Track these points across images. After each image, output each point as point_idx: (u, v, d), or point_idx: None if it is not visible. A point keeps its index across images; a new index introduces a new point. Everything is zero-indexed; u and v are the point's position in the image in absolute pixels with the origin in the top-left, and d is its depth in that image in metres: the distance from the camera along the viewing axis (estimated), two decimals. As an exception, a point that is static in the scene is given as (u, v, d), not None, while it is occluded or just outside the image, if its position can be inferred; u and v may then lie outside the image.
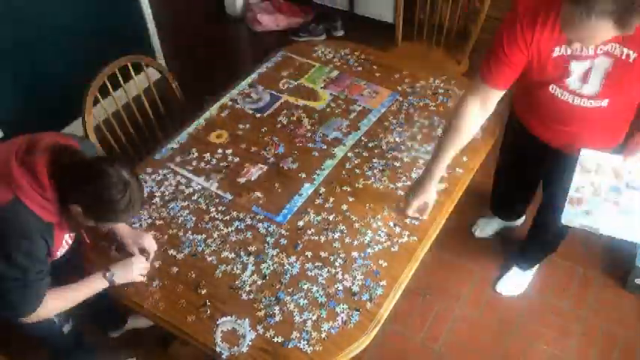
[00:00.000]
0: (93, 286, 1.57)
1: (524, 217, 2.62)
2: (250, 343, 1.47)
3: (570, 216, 1.63)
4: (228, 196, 1.82)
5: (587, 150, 1.63)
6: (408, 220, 1.72)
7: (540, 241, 2.29)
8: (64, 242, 1.53)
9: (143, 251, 1.66)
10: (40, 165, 1.34)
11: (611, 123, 1.71)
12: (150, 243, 1.67)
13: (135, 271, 1.60)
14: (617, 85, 1.51)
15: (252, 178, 1.86)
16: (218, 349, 1.47)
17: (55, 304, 1.51)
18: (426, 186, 1.70)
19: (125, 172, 1.37)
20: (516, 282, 2.42)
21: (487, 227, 2.62)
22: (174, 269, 1.64)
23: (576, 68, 1.53)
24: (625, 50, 1.43)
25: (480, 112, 1.66)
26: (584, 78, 1.53)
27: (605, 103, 1.56)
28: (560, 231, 2.09)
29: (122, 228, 1.68)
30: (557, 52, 1.52)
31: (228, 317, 1.52)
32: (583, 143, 1.67)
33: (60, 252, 1.52)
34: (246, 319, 1.52)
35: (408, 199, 1.73)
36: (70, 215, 1.40)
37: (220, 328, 1.51)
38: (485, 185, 2.44)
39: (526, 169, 2.12)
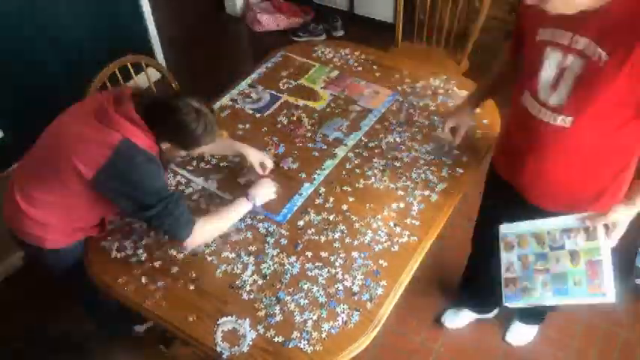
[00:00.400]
0: (238, 209, 1.72)
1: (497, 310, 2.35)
2: (251, 342, 1.47)
3: (511, 298, 1.52)
4: (228, 196, 1.82)
5: (504, 225, 1.56)
6: (408, 220, 1.73)
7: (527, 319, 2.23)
8: None
9: (264, 168, 1.87)
10: (131, 111, 1.52)
11: (576, 158, 1.49)
12: (266, 159, 1.87)
13: (270, 189, 1.79)
14: (584, 97, 1.34)
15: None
16: (219, 349, 1.46)
17: (206, 228, 1.63)
18: (462, 109, 1.86)
19: (194, 102, 1.54)
20: (524, 332, 2.29)
21: (456, 319, 2.34)
22: (175, 269, 1.64)
23: (549, 60, 1.39)
24: (598, 50, 1.28)
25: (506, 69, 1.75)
26: (555, 84, 1.40)
27: (568, 121, 1.40)
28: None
29: (245, 149, 1.86)
30: (541, 35, 1.41)
31: (229, 317, 1.52)
32: (545, 188, 1.57)
33: None
34: (247, 319, 1.51)
35: (444, 121, 1.88)
36: (163, 154, 1.61)
37: (221, 327, 1.51)
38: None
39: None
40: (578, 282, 1.41)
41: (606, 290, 1.36)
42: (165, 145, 1.59)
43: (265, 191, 1.78)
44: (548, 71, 1.42)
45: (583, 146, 1.45)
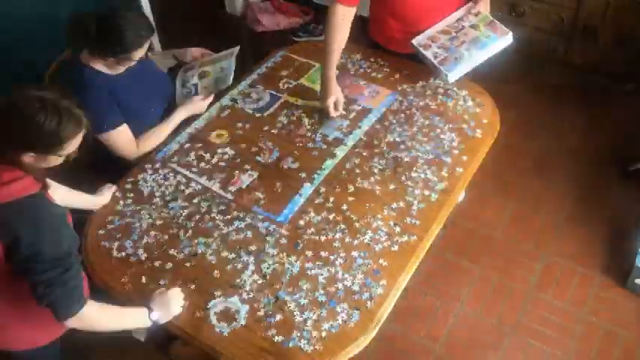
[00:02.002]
0: (135, 318, 1.48)
1: None
2: (246, 315, 1.49)
3: (450, 69, 2.01)
4: (229, 196, 1.82)
5: (413, 39, 2.11)
6: (408, 220, 1.73)
7: None
8: None
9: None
10: None
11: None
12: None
13: (177, 304, 1.52)
14: None
15: (243, 186, 1.85)
16: (218, 330, 1.48)
17: (99, 315, 1.41)
18: (331, 88, 2.03)
19: (34, 90, 1.30)
20: None
21: None
22: (175, 269, 1.64)
23: None
24: None
25: (346, 25, 2.02)
26: None
27: None
28: None
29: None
30: None
31: (218, 299, 1.53)
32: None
33: None
34: (235, 296, 1.54)
35: (322, 106, 2.05)
36: (35, 170, 1.33)
37: (212, 310, 1.52)
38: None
39: None
40: (488, 36, 2.05)
41: (507, 30, 2.05)
42: (27, 159, 1.31)
43: (171, 308, 1.50)
44: None
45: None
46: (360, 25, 2.41)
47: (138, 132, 1.99)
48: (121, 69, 1.91)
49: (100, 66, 1.88)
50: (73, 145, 1.38)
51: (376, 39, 2.33)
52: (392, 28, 2.21)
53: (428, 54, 2.06)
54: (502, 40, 2.04)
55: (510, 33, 2.04)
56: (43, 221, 1.31)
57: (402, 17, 2.14)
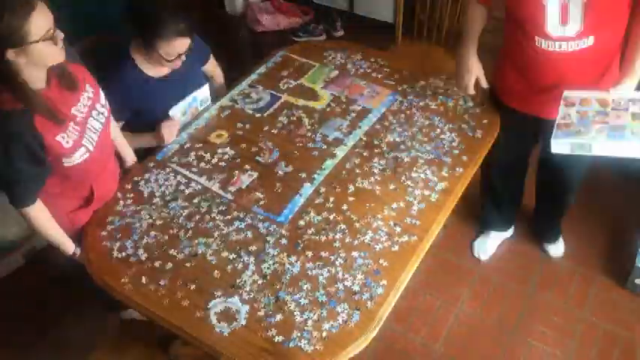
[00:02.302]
0: (64, 242, 1.72)
1: (513, 228, 2.62)
2: (247, 315, 1.49)
3: (560, 138, 1.56)
4: (229, 196, 1.82)
5: (569, 90, 1.70)
6: (408, 220, 1.73)
7: (551, 205, 2.38)
8: (69, 132, 1.56)
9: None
10: None
11: (601, 64, 1.73)
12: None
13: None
14: (599, 15, 1.54)
15: (243, 186, 1.85)
16: (218, 330, 1.48)
17: (45, 215, 1.64)
18: (470, 64, 1.87)
19: None
20: (557, 248, 2.54)
21: (486, 247, 2.58)
22: (175, 269, 1.64)
23: (549, 0, 1.56)
24: None
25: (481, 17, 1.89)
26: (564, 18, 1.56)
27: (591, 40, 1.60)
28: (568, 183, 2.18)
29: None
30: None
31: (218, 299, 1.54)
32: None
33: (65, 141, 1.55)
34: (235, 296, 1.54)
35: (461, 86, 1.92)
36: (14, 73, 1.40)
37: (212, 310, 1.52)
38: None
39: (517, 153, 2.21)
40: (635, 133, 1.51)
41: None
42: (13, 59, 1.38)
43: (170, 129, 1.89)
44: (553, 10, 1.57)
45: (604, 50, 1.69)
46: (370, 28, 2.42)
47: (142, 129, 2.01)
48: (163, 70, 1.95)
49: (141, 61, 1.93)
50: (39, 27, 1.37)
51: (493, 81, 2.00)
52: (510, 78, 1.93)
53: (561, 111, 1.66)
54: None
55: None
56: None
57: (523, 70, 1.83)
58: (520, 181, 2.42)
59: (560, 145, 1.57)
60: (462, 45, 1.93)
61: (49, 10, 1.40)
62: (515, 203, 2.51)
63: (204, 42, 2.15)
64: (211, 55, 2.23)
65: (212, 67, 2.27)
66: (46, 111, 1.49)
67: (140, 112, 1.98)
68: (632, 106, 1.58)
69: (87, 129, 1.63)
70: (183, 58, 1.92)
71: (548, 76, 1.76)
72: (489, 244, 2.57)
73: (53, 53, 1.44)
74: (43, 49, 1.40)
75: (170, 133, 1.98)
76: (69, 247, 1.72)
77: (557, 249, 2.55)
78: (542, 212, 2.50)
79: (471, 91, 1.94)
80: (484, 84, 1.93)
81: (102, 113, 1.70)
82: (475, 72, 1.91)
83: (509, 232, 2.61)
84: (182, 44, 1.87)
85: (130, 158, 1.97)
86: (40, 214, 1.63)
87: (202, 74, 2.20)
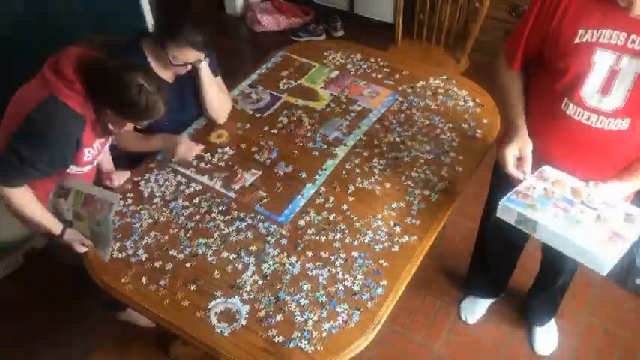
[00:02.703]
0: (50, 226, 1.69)
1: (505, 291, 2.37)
2: (247, 315, 1.50)
3: (510, 204, 1.43)
4: (232, 195, 1.82)
5: (550, 168, 1.52)
6: (408, 220, 1.73)
7: (548, 292, 2.11)
8: (92, 150, 1.70)
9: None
10: (67, 66, 1.56)
11: (624, 155, 1.47)
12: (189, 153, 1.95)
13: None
14: None
15: (247, 184, 1.85)
16: (218, 330, 1.48)
17: (24, 201, 1.64)
18: (520, 133, 1.52)
19: (140, 77, 1.56)
20: (546, 338, 2.25)
21: (475, 310, 2.34)
22: (175, 269, 1.64)
23: (599, 62, 1.34)
24: None
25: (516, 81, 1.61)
26: (606, 87, 1.35)
27: (626, 124, 1.38)
28: (565, 271, 1.93)
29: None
30: (583, 37, 1.34)
31: (219, 299, 1.54)
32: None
33: (87, 156, 1.68)
34: (236, 296, 1.54)
35: (504, 155, 1.52)
36: (102, 116, 1.63)
37: (213, 310, 1.52)
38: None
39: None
40: (587, 236, 1.35)
41: (611, 263, 1.33)
42: (105, 110, 1.62)
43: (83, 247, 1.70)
44: (598, 75, 1.36)
45: (636, 140, 1.44)
46: (370, 28, 2.41)
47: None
48: (169, 74, 1.93)
49: (152, 58, 1.91)
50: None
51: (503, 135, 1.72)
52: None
53: (528, 180, 1.50)
54: (594, 259, 1.36)
55: (606, 268, 1.36)
56: (43, 125, 1.56)
57: (538, 134, 1.55)
58: (516, 253, 2.13)
59: (507, 211, 1.44)
60: (517, 109, 1.58)
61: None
62: (510, 271, 2.22)
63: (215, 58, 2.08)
64: (218, 74, 2.11)
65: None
66: (103, 126, 1.67)
67: None
68: (603, 209, 1.41)
69: (104, 149, 1.79)
70: (189, 67, 1.90)
71: (562, 147, 1.53)
72: (478, 308, 2.34)
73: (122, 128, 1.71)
74: (125, 126, 1.69)
75: (186, 154, 1.91)
76: (56, 227, 1.69)
77: (544, 341, 2.22)
78: (535, 282, 2.21)
79: (515, 173, 1.53)
80: (528, 168, 1.54)
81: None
82: (527, 148, 1.54)
83: (501, 296, 2.36)
84: (191, 54, 1.85)
85: (108, 168, 1.96)
86: (25, 195, 1.64)
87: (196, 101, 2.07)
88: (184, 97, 2.03)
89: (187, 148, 1.91)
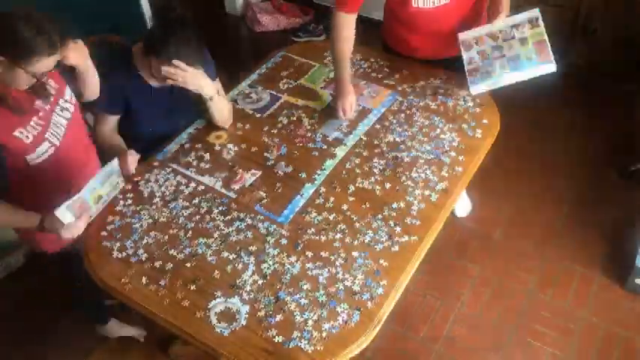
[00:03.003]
0: (25, 221, 1.62)
1: None
2: (247, 315, 1.50)
3: (476, 84, 1.94)
4: (232, 195, 1.82)
5: (462, 33, 2.02)
6: (408, 220, 1.73)
7: None
8: (31, 128, 1.57)
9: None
10: None
11: (458, 17, 2.04)
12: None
13: (65, 233, 1.59)
14: None
15: (247, 184, 1.86)
16: (218, 330, 1.48)
17: None
18: (344, 89, 2.04)
19: (25, 9, 1.43)
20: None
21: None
22: (175, 269, 1.64)
23: None
24: None
25: (351, 34, 2.06)
26: None
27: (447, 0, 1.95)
28: None
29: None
30: None
31: (219, 299, 1.54)
32: (437, 47, 2.12)
33: (27, 137, 1.56)
34: (236, 296, 1.54)
35: (334, 105, 2.04)
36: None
37: (213, 310, 1.52)
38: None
39: None
40: (529, 57, 1.89)
41: (552, 58, 1.88)
42: None
43: (62, 234, 1.58)
44: None
45: (461, 7, 2.01)
46: (370, 27, 2.44)
47: (134, 131, 1.99)
48: (154, 81, 1.92)
49: (140, 65, 1.90)
50: (41, 66, 1.45)
51: (387, 41, 2.35)
52: (399, 32, 2.22)
53: (464, 56, 2.01)
54: (542, 66, 1.92)
55: (554, 63, 1.90)
56: None
57: (406, 24, 2.14)
58: None
59: (477, 89, 1.96)
60: (339, 71, 2.07)
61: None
62: None
63: (213, 68, 2.06)
64: (217, 80, 2.08)
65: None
66: (10, 104, 1.49)
67: (130, 112, 1.94)
68: (516, 33, 1.93)
69: (51, 124, 1.64)
70: (170, 82, 1.84)
71: (410, 28, 2.13)
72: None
73: (22, 84, 1.50)
74: (21, 78, 1.47)
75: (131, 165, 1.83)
76: (32, 220, 1.59)
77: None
78: None
79: (342, 115, 2.03)
80: (351, 112, 2.05)
81: (66, 109, 1.70)
82: (350, 97, 2.05)
83: None
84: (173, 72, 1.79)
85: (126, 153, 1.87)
86: None
87: (194, 101, 2.01)
88: (174, 109, 2.01)
89: (134, 159, 1.85)
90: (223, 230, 1.73)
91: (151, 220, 1.77)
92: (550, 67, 1.90)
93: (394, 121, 2.06)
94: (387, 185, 1.83)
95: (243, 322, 1.50)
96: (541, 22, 1.91)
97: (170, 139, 2.04)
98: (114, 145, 1.94)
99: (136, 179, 1.90)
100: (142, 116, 1.96)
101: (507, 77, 1.93)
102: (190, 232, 1.73)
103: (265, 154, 1.96)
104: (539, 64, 1.91)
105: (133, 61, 1.91)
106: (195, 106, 2.03)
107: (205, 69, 1.92)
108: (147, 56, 1.84)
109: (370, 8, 3.90)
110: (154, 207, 1.81)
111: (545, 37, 1.91)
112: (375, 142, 1.99)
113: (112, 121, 1.95)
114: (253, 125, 2.08)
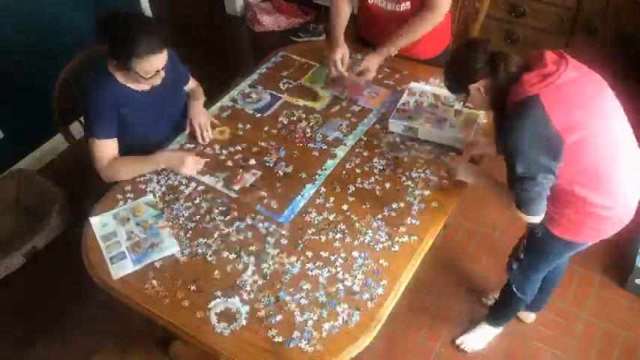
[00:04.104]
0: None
1: None
2: (247, 316, 1.50)
3: (396, 120, 1.97)
4: (233, 195, 1.82)
5: (414, 83, 2.12)
6: (408, 220, 1.73)
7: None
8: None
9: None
10: None
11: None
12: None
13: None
14: None
15: (247, 184, 1.86)
16: (218, 330, 1.48)
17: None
18: (336, 41, 2.18)
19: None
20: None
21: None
22: (175, 269, 1.64)
23: None
24: None
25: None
26: None
27: (406, 6, 2.09)
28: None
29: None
30: None
31: (219, 299, 1.54)
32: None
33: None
34: (236, 296, 1.54)
35: (328, 58, 2.16)
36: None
37: (213, 311, 1.52)
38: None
39: None
40: (453, 126, 1.95)
41: (471, 136, 1.90)
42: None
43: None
44: None
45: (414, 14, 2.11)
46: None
47: (135, 145, 1.95)
48: (143, 86, 1.89)
49: (120, 76, 1.87)
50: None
51: (361, 33, 2.41)
52: (366, 23, 2.35)
53: (402, 98, 2.06)
54: (460, 137, 1.90)
55: (467, 138, 1.90)
56: None
57: (366, 16, 2.26)
58: None
59: (395, 126, 1.98)
60: (335, 31, 2.23)
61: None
62: None
63: (181, 64, 2.12)
64: (190, 76, 2.17)
65: (194, 86, 2.20)
66: None
67: (124, 126, 1.91)
68: (457, 104, 1.98)
69: None
70: (162, 74, 1.85)
71: (376, 25, 2.23)
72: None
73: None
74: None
75: (194, 168, 1.90)
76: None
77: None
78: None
79: (334, 69, 2.15)
80: (343, 67, 2.17)
81: None
82: (344, 50, 2.18)
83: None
84: (159, 60, 1.79)
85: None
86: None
87: (184, 93, 2.13)
88: (170, 97, 2.03)
89: (195, 161, 1.90)
90: (223, 230, 1.73)
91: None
92: (463, 141, 1.89)
93: (394, 121, 2.06)
94: (387, 185, 1.83)
95: (243, 322, 1.50)
96: (482, 114, 1.97)
97: (169, 140, 2.04)
98: (130, 159, 1.94)
99: (136, 179, 1.90)
100: (133, 121, 1.92)
101: (424, 131, 1.94)
102: (190, 232, 1.73)
103: (265, 154, 1.96)
104: (458, 137, 1.90)
105: (113, 76, 1.87)
106: (175, 101, 2.06)
107: (175, 67, 2.02)
108: (127, 67, 1.79)
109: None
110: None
111: (478, 121, 1.95)
112: (375, 142, 1.99)
113: (114, 145, 1.91)
114: (253, 125, 2.08)
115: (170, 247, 1.67)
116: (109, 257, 1.66)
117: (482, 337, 2.25)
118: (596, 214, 1.58)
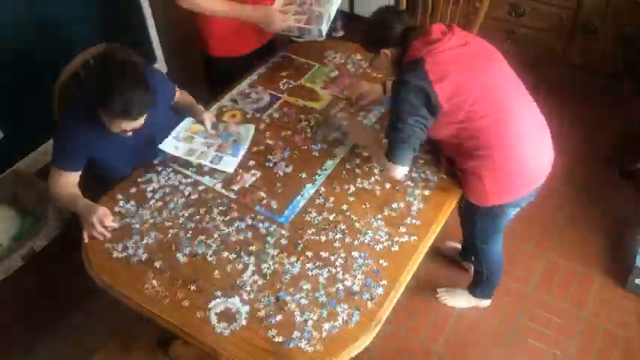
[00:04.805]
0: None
1: None
2: (247, 316, 1.50)
3: (166, 144, 1.89)
4: (232, 195, 1.82)
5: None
6: (408, 220, 1.73)
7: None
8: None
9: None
10: None
11: None
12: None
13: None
14: None
15: (247, 185, 1.85)
16: (218, 330, 1.48)
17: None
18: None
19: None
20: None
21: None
22: (175, 269, 1.64)
23: None
24: None
25: None
26: None
27: None
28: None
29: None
30: None
31: (219, 299, 1.54)
32: None
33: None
34: (236, 296, 1.54)
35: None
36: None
37: (213, 311, 1.52)
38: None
39: None
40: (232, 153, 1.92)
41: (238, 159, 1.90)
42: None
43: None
44: None
45: None
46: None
47: (109, 177, 1.92)
48: (114, 129, 1.73)
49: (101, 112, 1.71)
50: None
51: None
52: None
53: (291, 23, 2.14)
54: (225, 159, 1.89)
55: (234, 164, 1.89)
56: None
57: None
58: None
59: (326, 28, 2.13)
60: None
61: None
62: None
63: (168, 79, 2.07)
64: (176, 89, 2.09)
65: (181, 97, 2.11)
66: None
67: (97, 162, 1.88)
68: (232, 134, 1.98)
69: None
70: (130, 134, 1.75)
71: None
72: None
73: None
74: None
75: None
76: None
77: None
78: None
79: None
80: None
81: None
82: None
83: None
84: (131, 125, 1.70)
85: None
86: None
87: (170, 111, 2.05)
88: (141, 152, 1.93)
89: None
90: (223, 230, 1.73)
91: (151, 220, 1.77)
92: (230, 164, 1.88)
93: (394, 121, 2.05)
94: (387, 185, 1.83)
95: (243, 322, 1.50)
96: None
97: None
98: (72, 194, 1.81)
99: (136, 179, 1.90)
100: (108, 164, 1.90)
101: (330, 4, 2.21)
102: (190, 232, 1.73)
103: (265, 154, 1.96)
104: (225, 159, 1.90)
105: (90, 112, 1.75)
106: (158, 130, 1.91)
107: (161, 96, 1.85)
108: (95, 112, 1.70)
109: (370, 8, 3.91)
110: (154, 207, 1.81)
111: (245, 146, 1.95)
112: (375, 142, 1.98)
113: (72, 179, 1.83)
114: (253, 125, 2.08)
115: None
116: (209, 161, 1.87)
117: (466, 299, 2.37)
118: (491, 167, 1.70)
